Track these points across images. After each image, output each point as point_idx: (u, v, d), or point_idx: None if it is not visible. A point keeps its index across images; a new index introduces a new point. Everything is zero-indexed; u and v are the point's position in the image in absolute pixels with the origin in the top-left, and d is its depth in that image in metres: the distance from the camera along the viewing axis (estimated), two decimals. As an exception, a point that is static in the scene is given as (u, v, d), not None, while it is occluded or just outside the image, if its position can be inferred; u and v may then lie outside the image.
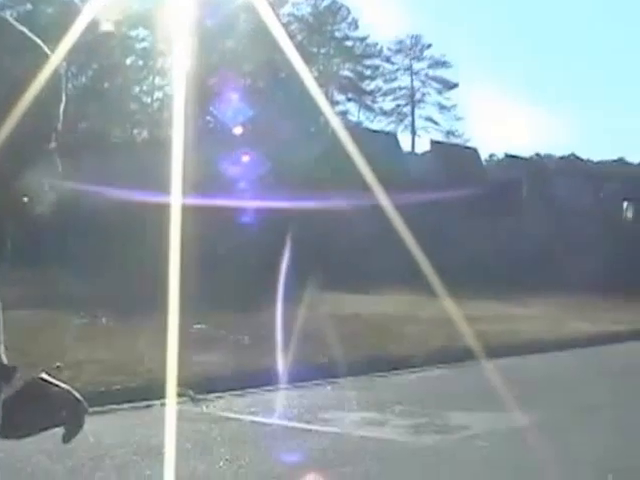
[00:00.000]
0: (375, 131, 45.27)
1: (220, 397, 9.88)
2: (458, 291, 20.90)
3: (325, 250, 27.77)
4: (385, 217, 31.60)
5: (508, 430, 8.25)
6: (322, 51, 60.12)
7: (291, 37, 45.46)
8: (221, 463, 6.83)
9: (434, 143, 43.03)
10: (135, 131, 47.64)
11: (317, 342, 13.21)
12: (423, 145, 51.35)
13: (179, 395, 9.85)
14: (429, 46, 62.31)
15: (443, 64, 62.27)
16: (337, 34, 59.81)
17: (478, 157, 43.87)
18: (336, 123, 48.18)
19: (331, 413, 9.10)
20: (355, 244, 28.95)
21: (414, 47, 63.15)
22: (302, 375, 11.31)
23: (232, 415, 9.00)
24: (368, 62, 60.78)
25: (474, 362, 12.97)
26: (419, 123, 62.14)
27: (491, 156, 58.03)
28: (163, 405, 9.54)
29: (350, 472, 6.67)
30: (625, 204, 37.18)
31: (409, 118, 62.15)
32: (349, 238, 29.42)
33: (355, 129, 40.13)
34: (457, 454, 7.36)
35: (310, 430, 8.25)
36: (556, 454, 7.31)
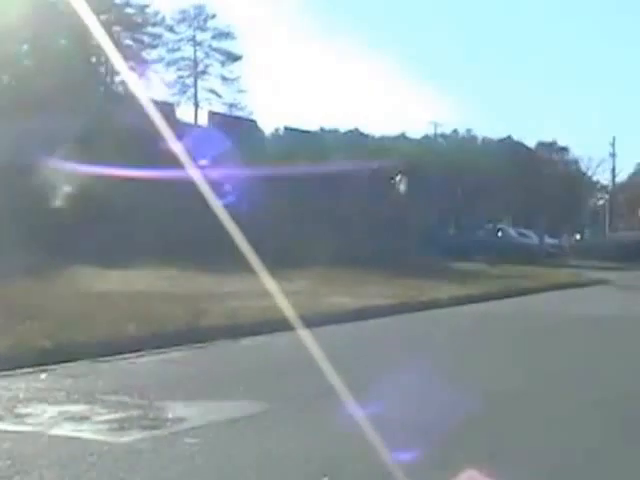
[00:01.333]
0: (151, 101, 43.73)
1: None
2: (223, 266, 19.99)
3: (94, 224, 26.31)
4: (157, 189, 30.32)
5: (225, 423, 7.22)
6: (102, 18, 57.87)
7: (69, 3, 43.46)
8: None
9: (212, 114, 42.11)
10: None
11: (48, 323, 11.86)
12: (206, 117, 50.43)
13: None
14: (213, 16, 61.36)
15: (227, 35, 61.51)
16: (117, 1, 57.76)
17: (258, 129, 43.24)
18: (111, 93, 46.43)
19: (32, 407, 7.83)
20: (124, 217, 27.61)
21: (198, 17, 62.06)
22: (17, 361, 9.97)
23: None
24: (150, 31, 59.16)
25: (220, 342, 12.05)
26: (202, 95, 61.13)
27: (276, 130, 57.65)
28: None
29: (16, 485, 5.47)
30: (398, 177, 37.37)
31: (192, 89, 61.06)
32: (119, 210, 28.02)
33: (129, 98, 38.53)
34: (157, 455, 6.25)
35: (-7, 430, 6.98)
36: (268, 451, 6.35)
